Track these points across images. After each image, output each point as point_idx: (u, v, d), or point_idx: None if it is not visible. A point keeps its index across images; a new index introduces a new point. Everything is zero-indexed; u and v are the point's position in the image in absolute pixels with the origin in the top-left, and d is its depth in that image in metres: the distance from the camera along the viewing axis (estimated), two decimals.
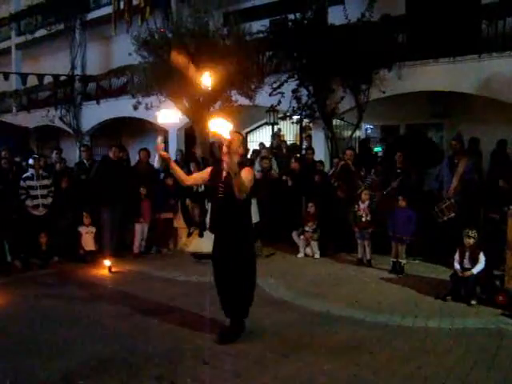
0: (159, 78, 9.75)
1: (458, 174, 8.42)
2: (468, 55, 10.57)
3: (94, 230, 9.15)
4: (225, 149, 5.00)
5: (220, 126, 4.51)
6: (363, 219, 8.58)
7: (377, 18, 11.23)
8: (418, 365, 4.56)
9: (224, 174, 5.09)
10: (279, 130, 14.90)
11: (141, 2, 15.48)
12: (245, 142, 5.25)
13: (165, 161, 5.17)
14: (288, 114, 12.57)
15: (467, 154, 9.01)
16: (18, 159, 11.29)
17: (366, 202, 8.62)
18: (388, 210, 8.44)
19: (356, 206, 8.69)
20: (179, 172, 5.30)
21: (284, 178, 10.27)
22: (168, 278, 7.93)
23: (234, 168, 4.63)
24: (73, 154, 17.37)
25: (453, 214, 8.15)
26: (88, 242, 9.07)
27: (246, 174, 4.90)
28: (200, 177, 5.54)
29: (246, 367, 4.56)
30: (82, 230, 9.08)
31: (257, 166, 10.96)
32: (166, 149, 16.46)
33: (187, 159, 11.58)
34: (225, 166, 5.08)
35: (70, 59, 19.03)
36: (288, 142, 14.56)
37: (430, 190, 9.28)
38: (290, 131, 16.20)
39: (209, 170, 5.38)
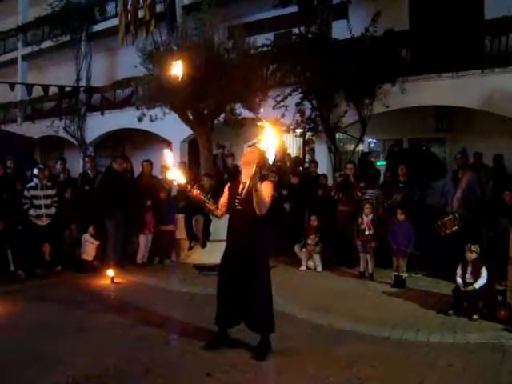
0: (164, 90, 9.80)
1: (461, 188, 8.47)
2: (471, 70, 10.64)
3: (97, 241, 9.15)
4: (243, 161, 5.06)
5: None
6: (366, 233, 8.58)
7: (380, 33, 11.32)
8: (419, 379, 4.55)
9: (241, 186, 5.05)
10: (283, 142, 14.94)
11: (146, 15, 15.63)
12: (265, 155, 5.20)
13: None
14: (291, 127, 12.62)
15: (471, 168, 9.04)
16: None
17: (370, 216, 8.63)
18: (389, 224, 8.50)
19: (360, 220, 8.70)
20: (213, 208, 5.18)
21: (284, 192, 10.35)
22: (170, 289, 7.94)
23: (255, 185, 4.64)
24: (77, 164, 17.45)
25: (455, 228, 8.16)
26: (90, 251, 9.07)
27: (267, 190, 4.89)
28: (224, 201, 5.26)
29: (248, 379, 4.56)
30: (86, 238, 9.08)
31: None
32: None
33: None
34: (243, 177, 5.07)
35: (75, 70, 19.15)
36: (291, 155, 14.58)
37: (432, 204, 9.30)
38: (293, 144, 16.24)
39: (226, 187, 5.29)
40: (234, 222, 5.10)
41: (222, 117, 10.65)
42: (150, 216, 9.67)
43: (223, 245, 5.22)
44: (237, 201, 5.02)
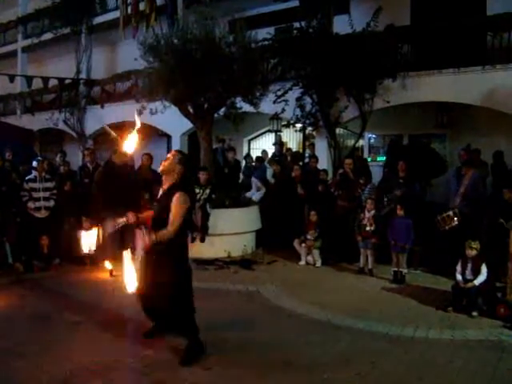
0: (164, 83, 9.76)
1: (463, 184, 8.45)
2: (472, 67, 10.59)
3: (94, 233, 9.12)
4: (160, 168, 4.98)
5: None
6: (367, 228, 8.56)
7: (382, 28, 11.27)
8: (418, 376, 4.56)
9: (160, 192, 5.00)
10: (279, 136, 14.85)
11: (147, 8, 15.56)
12: (185, 160, 5.11)
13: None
14: (291, 121, 12.59)
15: (475, 165, 9.02)
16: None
17: (372, 212, 8.61)
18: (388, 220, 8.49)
19: (361, 215, 8.68)
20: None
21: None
22: None
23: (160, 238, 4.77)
24: (76, 157, 17.39)
25: (455, 224, 8.14)
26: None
27: (175, 207, 4.74)
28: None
29: (246, 374, 4.56)
30: (82, 234, 9.07)
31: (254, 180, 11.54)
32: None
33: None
34: (163, 186, 5.00)
35: (75, 63, 19.07)
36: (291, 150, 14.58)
37: (433, 201, 9.29)
38: (293, 139, 16.22)
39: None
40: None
41: (222, 111, 10.61)
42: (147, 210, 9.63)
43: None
44: (154, 207, 5.03)
